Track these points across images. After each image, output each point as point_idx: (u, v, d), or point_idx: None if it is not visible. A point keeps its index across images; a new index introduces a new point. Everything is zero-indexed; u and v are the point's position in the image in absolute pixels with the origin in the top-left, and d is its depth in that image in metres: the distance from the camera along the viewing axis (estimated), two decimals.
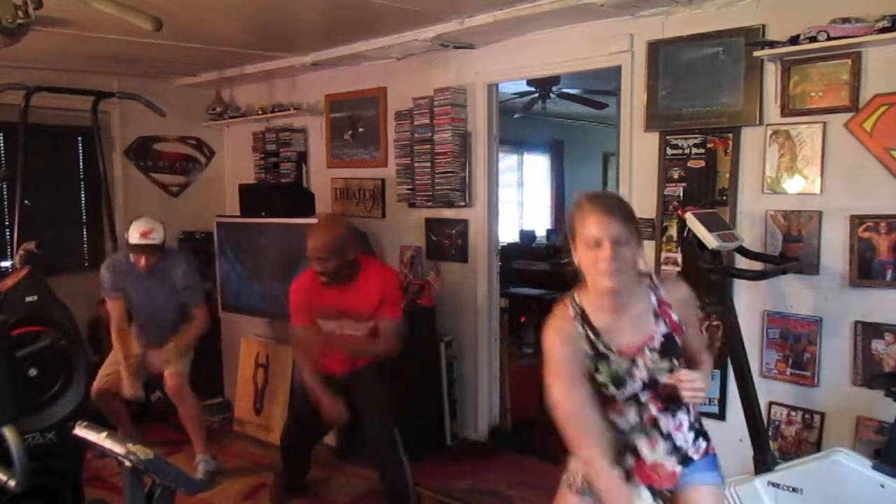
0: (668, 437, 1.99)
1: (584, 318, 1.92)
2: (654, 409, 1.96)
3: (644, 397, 1.94)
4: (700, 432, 2.06)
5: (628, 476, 1.99)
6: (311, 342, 3.36)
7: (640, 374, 1.92)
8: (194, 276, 3.97)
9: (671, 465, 2.00)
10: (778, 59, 3.12)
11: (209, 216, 5.15)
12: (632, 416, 1.97)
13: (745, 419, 2.87)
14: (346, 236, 3.22)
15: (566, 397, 1.88)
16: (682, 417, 2.00)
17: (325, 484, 3.89)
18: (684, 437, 2.01)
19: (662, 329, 1.92)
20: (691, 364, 2.01)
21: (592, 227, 1.82)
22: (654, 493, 2.02)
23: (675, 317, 1.94)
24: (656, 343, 1.91)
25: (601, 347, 1.91)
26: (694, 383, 1.86)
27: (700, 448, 2.03)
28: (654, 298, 1.93)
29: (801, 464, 2.73)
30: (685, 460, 2.01)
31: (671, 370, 1.92)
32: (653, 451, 1.99)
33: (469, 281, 4.43)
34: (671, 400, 1.95)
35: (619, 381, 1.91)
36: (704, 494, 2.01)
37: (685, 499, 2.02)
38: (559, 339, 1.90)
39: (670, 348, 1.92)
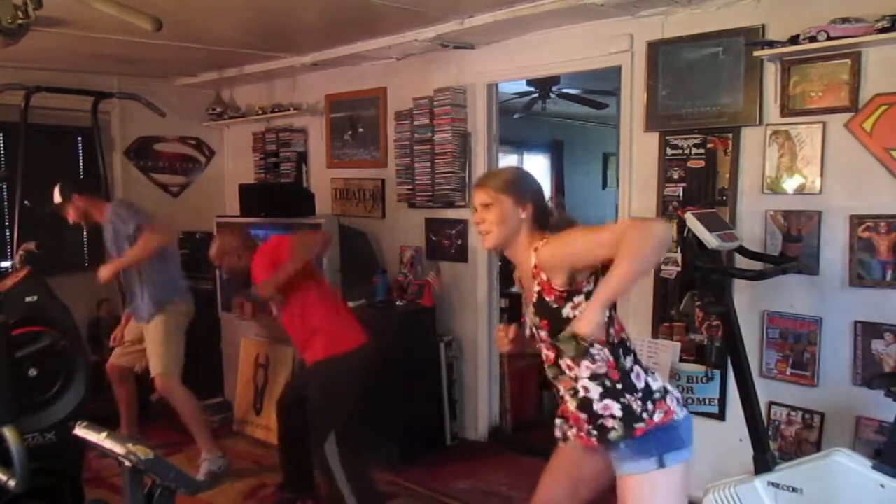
0: (575, 379, 2.07)
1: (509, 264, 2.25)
2: (548, 355, 2.12)
3: (536, 343, 2.14)
4: (628, 407, 1.99)
5: (564, 416, 2.18)
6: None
7: (527, 322, 2.15)
8: (127, 214, 3.87)
9: (588, 427, 2.05)
10: (778, 59, 3.12)
11: (209, 216, 5.15)
12: (540, 348, 2.14)
13: (745, 419, 2.87)
14: (230, 245, 3.50)
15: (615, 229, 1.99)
16: (583, 363, 2.03)
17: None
18: (583, 384, 2.04)
19: (536, 288, 2.05)
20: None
21: (472, 196, 2.17)
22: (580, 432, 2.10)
23: (544, 277, 2.02)
24: (534, 299, 2.07)
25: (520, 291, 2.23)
26: (578, 321, 1.88)
27: (611, 410, 2.00)
28: (532, 259, 2.05)
29: (801, 464, 2.72)
30: (591, 412, 2.03)
31: (537, 329, 2.08)
32: (570, 392, 2.10)
33: (469, 281, 4.43)
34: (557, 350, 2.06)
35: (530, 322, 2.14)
36: (626, 485, 2.02)
37: (617, 489, 2.07)
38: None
39: (542, 308, 2.04)
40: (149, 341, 3.94)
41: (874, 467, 2.50)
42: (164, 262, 3.96)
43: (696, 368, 3.47)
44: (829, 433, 3.11)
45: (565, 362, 2.07)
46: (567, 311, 2.00)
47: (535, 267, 2.03)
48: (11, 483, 2.33)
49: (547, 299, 2.02)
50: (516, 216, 2.06)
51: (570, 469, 2.24)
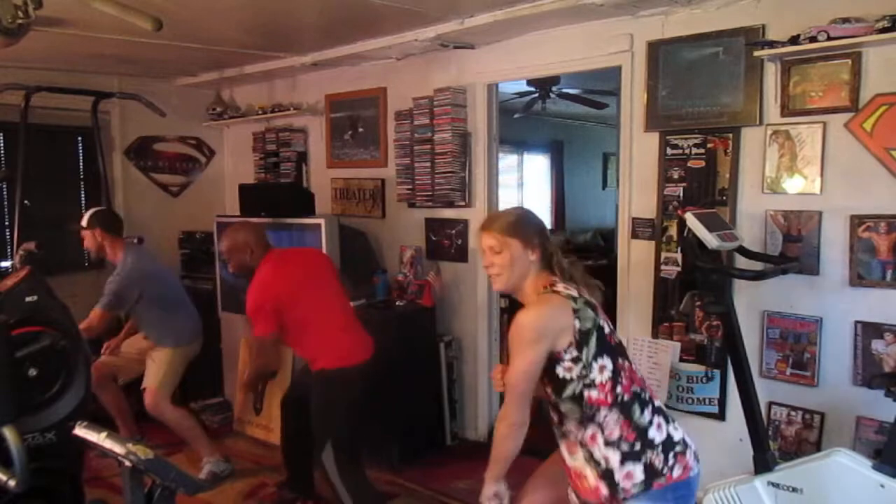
0: (583, 444, 1.98)
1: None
2: (554, 417, 2.05)
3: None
4: (637, 458, 1.93)
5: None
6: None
7: None
8: (115, 279, 3.85)
9: (593, 478, 1.96)
10: (778, 59, 3.12)
11: (209, 216, 5.14)
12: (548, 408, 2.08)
13: (745, 419, 2.87)
14: (245, 241, 3.38)
15: (531, 363, 2.01)
16: (594, 430, 1.96)
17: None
18: (602, 453, 1.95)
19: None
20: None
21: (479, 240, 2.13)
22: (580, 500, 2.04)
23: None
24: None
25: None
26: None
27: (634, 478, 1.93)
28: None
29: (801, 464, 2.72)
30: (612, 483, 1.93)
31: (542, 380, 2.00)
32: (572, 457, 2.03)
33: (469, 281, 4.43)
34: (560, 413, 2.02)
35: None
36: None
37: None
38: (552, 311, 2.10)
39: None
40: (152, 361, 3.96)
41: (874, 467, 2.50)
42: (162, 310, 3.96)
43: (696, 368, 3.47)
44: (829, 433, 3.11)
45: (571, 423, 2.00)
46: (560, 371, 1.94)
47: None
48: (11, 483, 2.33)
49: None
50: (525, 259, 2.05)
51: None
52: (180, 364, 4.02)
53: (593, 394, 1.93)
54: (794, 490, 2.65)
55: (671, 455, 1.95)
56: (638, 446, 1.94)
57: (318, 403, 3.23)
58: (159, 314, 3.95)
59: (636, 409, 1.96)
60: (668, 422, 2.01)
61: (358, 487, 3.19)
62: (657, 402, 2.03)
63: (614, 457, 1.94)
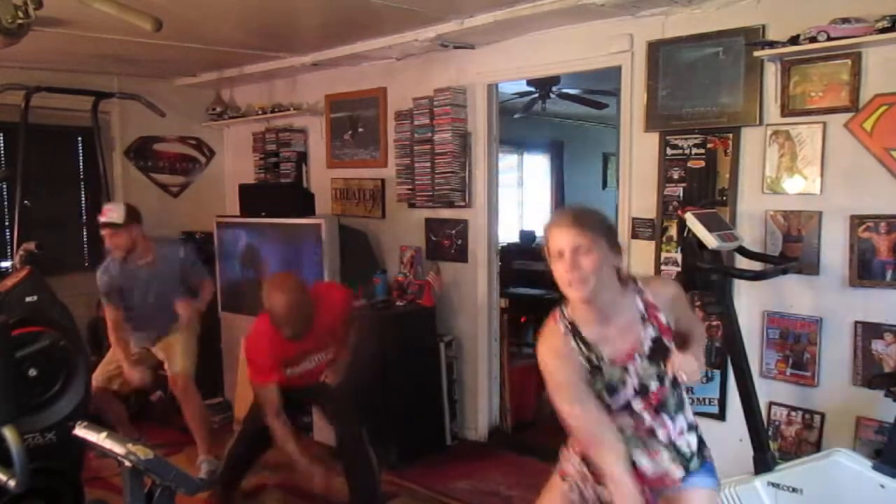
0: (669, 445, 1.97)
1: (574, 331, 1.90)
2: (647, 418, 1.94)
3: (637, 405, 1.92)
4: (700, 437, 2.05)
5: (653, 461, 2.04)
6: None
7: (632, 381, 1.90)
8: (188, 259, 4.03)
9: (678, 471, 1.99)
10: (778, 59, 3.12)
11: (209, 216, 5.15)
12: (626, 426, 1.94)
13: (745, 419, 2.87)
14: (304, 292, 3.10)
15: (578, 416, 1.87)
16: (681, 420, 1.98)
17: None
18: (687, 442, 2.00)
19: (651, 333, 1.90)
20: (685, 342, 2.00)
21: (554, 239, 1.83)
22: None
23: (663, 319, 1.91)
24: (645, 349, 1.90)
25: (594, 359, 1.89)
26: (689, 364, 1.89)
27: (704, 454, 2.04)
28: (640, 303, 1.90)
29: (801, 464, 2.72)
30: (690, 465, 2.00)
31: (660, 376, 1.91)
32: (653, 462, 1.97)
33: (469, 281, 4.43)
34: (663, 405, 1.94)
35: (612, 390, 1.90)
36: (701, 497, 2.01)
37: (680, 500, 2.01)
38: (557, 360, 1.89)
39: (659, 352, 1.90)
40: (172, 343, 3.97)
41: (874, 467, 2.50)
42: (174, 277, 3.98)
43: None
44: (829, 433, 3.11)
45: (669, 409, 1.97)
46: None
47: (650, 307, 1.91)
48: (11, 483, 2.33)
49: (665, 340, 1.91)
50: (611, 262, 1.85)
51: None
52: (196, 338, 4.05)
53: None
54: (794, 490, 2.65)
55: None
56: (694, 421, 2.05)
57: (341, 398, 3.33)
58: (171, 283, 3.97)
59: (683, 389, 2.03)
60: None
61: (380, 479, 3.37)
62: None
63: (693, 439, 2.02)
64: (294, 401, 3.33)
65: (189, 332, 3.98)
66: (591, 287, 1.80)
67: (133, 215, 3.81)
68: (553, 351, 1.89)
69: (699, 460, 2.02)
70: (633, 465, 1.93)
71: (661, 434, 1.95)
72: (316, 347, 3.29)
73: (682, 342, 1.98)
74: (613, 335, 1.89)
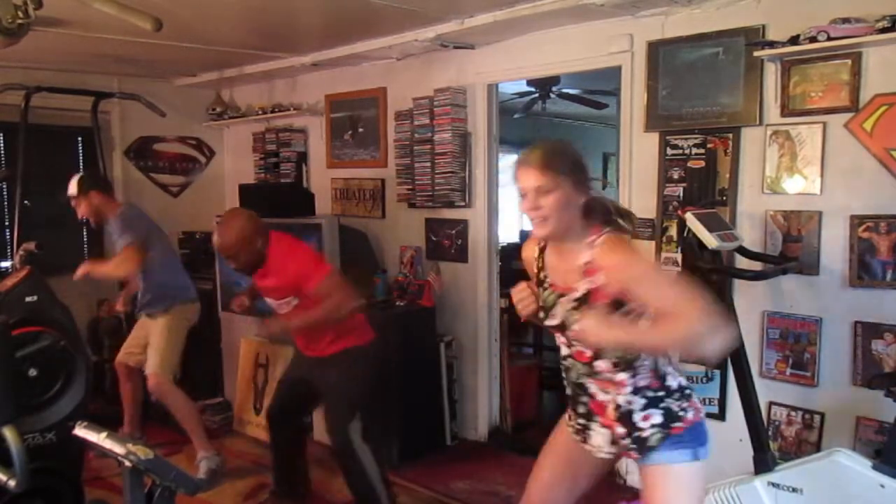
0: (613, 386, 1.99)
1: (541, 249, 2.10)
2: (585, 351, 2.00)
3: (560, 339, 2.07)
4: (657, 404, 1.96)
5: (589, 414, 2.07)
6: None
7: (558, 313, 2.01)
8: (119, 221, 3.87)
9: (612, 411, 1.99)
10: (778, 59, 3.12)
11: (209, 216, 5.14)
12: (564, 350, 2.07)
13: (745, 419, 2.87)
14: (248, 229, 3.09)
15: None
16: (626, 376, 1.96)
17: (326, 484, 3.89)
18: (626, 398, 1.97)
19: (584, 286, 1.93)
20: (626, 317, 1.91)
21: (519, 178, 1.95)
22: (613, 439, 2.03)
23: (600, 280, 1.89)
24: (575, 295, 1.96)
25: (541, 276, 2.09)
26: (588, 319, 1.83)
27: (655, 423, 1.95)
28: (587, 256, 1.92)
29: (801, 464, 2.72)
30: (631, 425, 1.96)
31: (569, 323, 1.98)
32: (604, 392, 2.01)
33: (469, 281, 4.43)
34: (596, 356, 1.98)
35: (546, 310, 2.05)
36: (657, 475, 1.97)
37: (642, 476, 2.03)
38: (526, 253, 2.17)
39: (585, 305, 1.93)
40: (151, 338, 3.97)
41: (874, 467, 2.50)
42: (163, 267, 3.96)
43: (696, 368, 3.46)
44: (829, 433, 3.11)
45: (604, 363, 1.97)
46: (627, 307, 1.90)
47: (590, 264, 1.90)
48: (11, 483, 2.34)
49: (592, 300, 1.91)
50: (576, 202, 1.89)
51: (571, 459, 2.18)
52: (178, 340, 3.96)
53: None
54: (794, 490, 2.65)
55: (684, 401, 1.99)
56: (661, 393, 1.97)
57: (344, 380, 3.19)
58: (155, 273, 3.92)
59: (659, 359, 1.98)
60: (677, 371, 2.04)
61: (386, 480, 3.27)
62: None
63: (638, 402, 1.97)
64: (305, 365, 3.33)
65: (165, 330, 3.92)
66: (550, 226, 1.91)
67: (89, 184, 3.95)
68: (522, 250, 2.17)
69: (661, 435, 1.94)
70: (586, 391, 2.05)
71: (600, 370, 1.99)
72: (274, 289, 3.18)
73: (624, 315, 1.90)
74: (559, 269, 2.03)
